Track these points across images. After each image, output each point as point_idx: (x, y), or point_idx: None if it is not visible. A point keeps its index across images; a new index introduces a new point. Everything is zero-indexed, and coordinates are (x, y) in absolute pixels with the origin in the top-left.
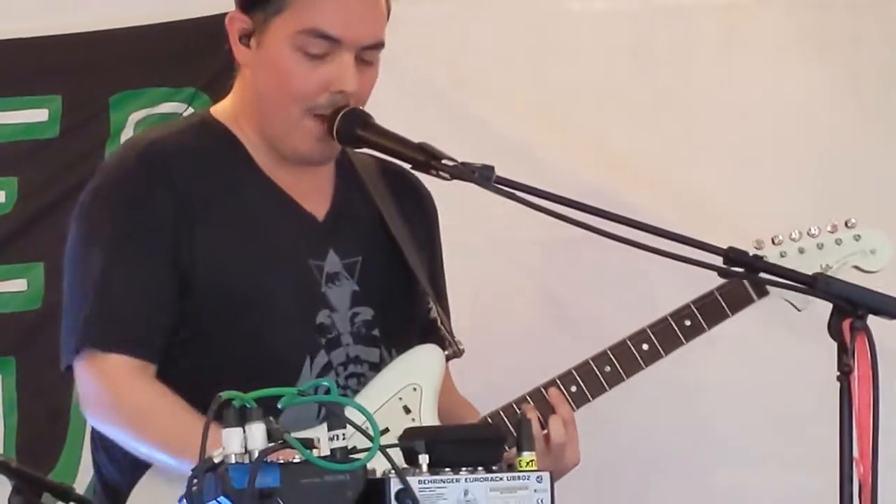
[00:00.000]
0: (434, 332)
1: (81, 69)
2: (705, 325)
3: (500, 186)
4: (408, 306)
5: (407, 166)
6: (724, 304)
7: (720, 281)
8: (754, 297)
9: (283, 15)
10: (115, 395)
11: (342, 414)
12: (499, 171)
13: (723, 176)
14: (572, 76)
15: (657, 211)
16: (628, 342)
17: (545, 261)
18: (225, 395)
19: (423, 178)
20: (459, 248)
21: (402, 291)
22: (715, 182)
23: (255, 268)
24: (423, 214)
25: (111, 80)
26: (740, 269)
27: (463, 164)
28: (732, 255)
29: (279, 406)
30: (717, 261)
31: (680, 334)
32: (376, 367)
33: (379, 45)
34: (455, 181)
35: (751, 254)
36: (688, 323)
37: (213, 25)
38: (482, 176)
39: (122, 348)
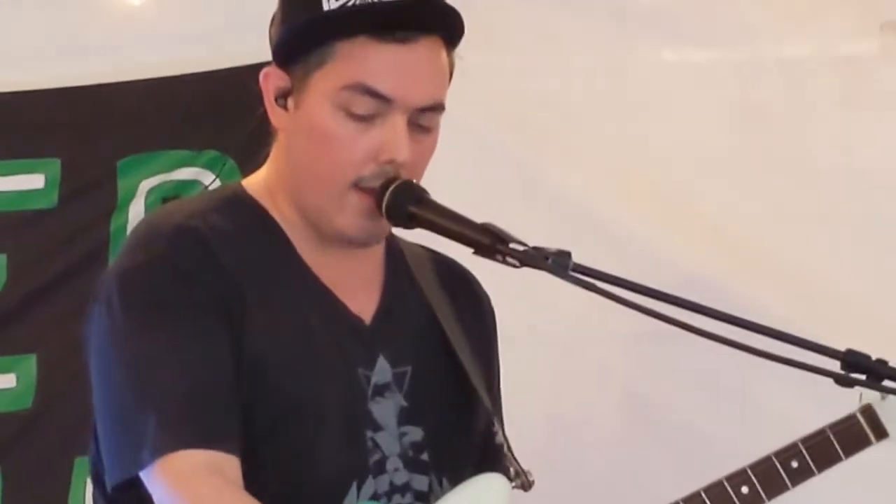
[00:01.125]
0: (497, 459)
1: (84, 128)
2: (814, 469)
3: (577, 276)
4: (464, 427)
5: (469, 250)
6: (837, 444)
7: (834, 387)
8: (872, 438)
9: (325, 68)
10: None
11: None
12: (577, 250)
13: (846, 260)
14: (665, 139)
15: (764, 301)
16: (725, 484)
17: (631, 359)
18: None
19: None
20: (529, 342)
21: (458, 409)
22: (836, 267)
23: (304, 373)
24: (481, 323)
25: (119, 142)
26: (861, 376)
27: (535, 248)
28: (850, 359)
29: None
30: (834, 365)
31: (785, 477)
32: (424, 498)
33: (437, 108)
34: (525, 268)
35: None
36: (794, 465)
37: (238, 79)
38: (557, 263)
39: (212, 442)
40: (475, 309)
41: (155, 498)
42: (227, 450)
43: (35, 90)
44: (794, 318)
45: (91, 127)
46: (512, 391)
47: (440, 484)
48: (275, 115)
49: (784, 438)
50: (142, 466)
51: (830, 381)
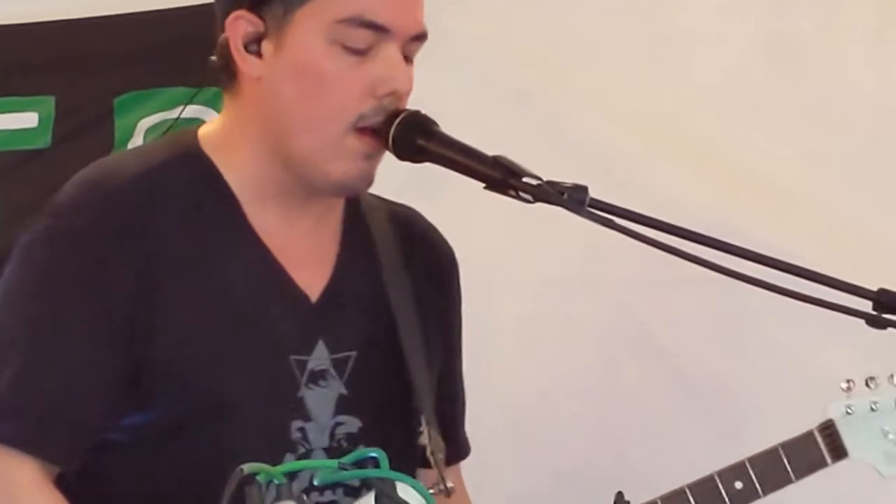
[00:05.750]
0: (422, 461)
1: (80, 64)
2: (760, 491)
3: (594, 211)
4: (404, 421)
5: (480, 185)
6: (788, 465)
7: (865, 332)
8: (828, 461)
9: (311, 4)
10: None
11: (394, 494)
12: (594, 192)
13: (880, 202)
14: (690, 75)
15: (792, 244)
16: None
17: (650, 305)
18: (247, 468)
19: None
20: (538, 287)
21: (404, 398)
22: (870, 209)
23: (224, 363)
24: (437, 284)
25: (116, 78)
26: (894, 317)
27: (549, 182)
28: (884, 299)
29: (315, 483)
30: (866, 306)
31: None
32: (355, 494)
33: (424, 37)
34: (539, 204)
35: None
36: (739, 486)
37: None
38: (573, 198)
39: (34, 449)
40: (432, 271)
41: None
42: (63, 464)
43: (28, 23)
44: (826, 264)
45: (87, 62)
46: (526, 339)
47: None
48: (246, 62)
49: (811, 388)
50: None
51: (862, 326)
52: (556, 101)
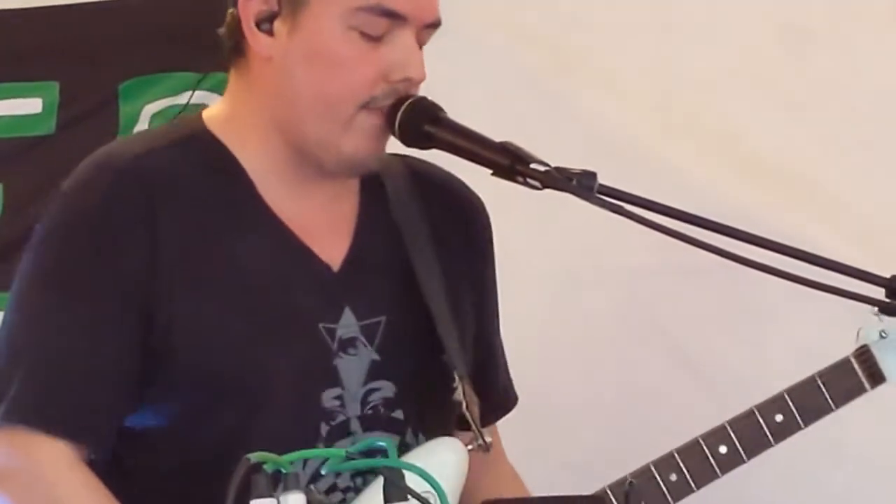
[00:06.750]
0: (458, 417)
1: (84, 49)
2: (801, 422)
3: (604, 198)
4: (444, 377)
5: (487, 172)
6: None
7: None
8: (867, 386)
9: None
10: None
11: (402, 482)
12: (607, 178)
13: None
14: (704, 61)
15: (807, 230)
16: (701, 443)
17: (660, 294)
18: (254, 457)
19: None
20: (547, 276)
21: (437, 358)
22: (885, 195)
23: (249, 341)
24: (462, 232)
25: (121, 63)
26: None
27: (557, 169)
28: None
29: (322, 472)
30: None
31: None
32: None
33: (438, 24)
34: (548, 190)
35: None
36: (779, 419)
37: None
38: (581, 184)
39: (61, 431)
40: (455, 217)
41: None
42: (92, 446)
43: (31, 8)
44: (841, 250)
45: (91, 48)
46: (535, 329)
47: (418, 442)
48: (257, 41)
49: None
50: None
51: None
52: (568, 86)
